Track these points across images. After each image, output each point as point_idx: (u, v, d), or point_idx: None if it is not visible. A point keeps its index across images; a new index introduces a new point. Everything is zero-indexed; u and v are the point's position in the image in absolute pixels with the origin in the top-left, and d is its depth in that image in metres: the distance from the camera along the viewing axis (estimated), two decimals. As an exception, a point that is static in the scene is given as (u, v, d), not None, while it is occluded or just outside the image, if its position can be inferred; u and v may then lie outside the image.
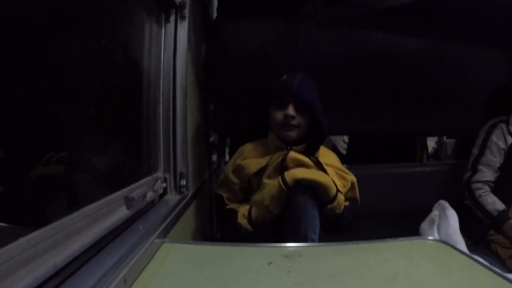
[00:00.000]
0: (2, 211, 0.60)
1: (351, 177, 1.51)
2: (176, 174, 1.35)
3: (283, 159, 1.41)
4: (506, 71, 2.31)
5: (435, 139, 3.49)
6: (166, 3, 1.31)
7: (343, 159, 3.02)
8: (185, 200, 1.32)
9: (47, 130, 0.75)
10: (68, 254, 0.63)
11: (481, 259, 1.11)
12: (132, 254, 0.75)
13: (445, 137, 3.12)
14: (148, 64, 1.28)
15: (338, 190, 1.37)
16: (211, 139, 2.10)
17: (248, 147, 1.58)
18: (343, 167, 1.54)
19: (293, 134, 1.47)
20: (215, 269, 0.87)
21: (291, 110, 1.45)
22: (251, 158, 1.52)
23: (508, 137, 2.11)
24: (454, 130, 2.47)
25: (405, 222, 2.07)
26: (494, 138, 2.12)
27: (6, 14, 0.61)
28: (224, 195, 1.54)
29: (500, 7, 1.92)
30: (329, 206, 1.35)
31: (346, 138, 3.39)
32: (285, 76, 1.52)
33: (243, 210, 1.46)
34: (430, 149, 3.25)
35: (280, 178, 1.34)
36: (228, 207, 1.52)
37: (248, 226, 1.42)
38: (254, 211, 1.42)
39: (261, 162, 1.48)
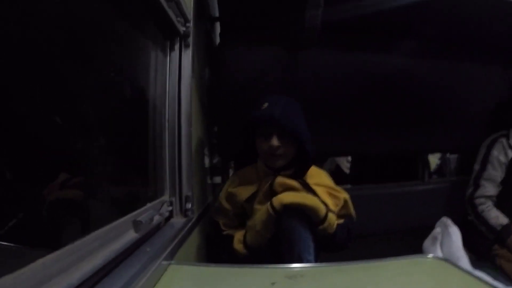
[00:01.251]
0: (13, 232, 0.63)
1: (343, 195, 1.49)
2: (182, 198, 1.37)
3: (271, 184, 1.42)
4: (505, 87, 2.34)
5: (438, 155, 3.50)
6: (171, 32, 1.36)
7: (346, 178, 3.05)
8: (190, 223, 1.34)
9: (60, 157, 0.78)
10: (81, 275, 0.66)
11: (484, 276, 1.12)
12: (141, 276, 0.77)
13: (448, 154, 3.14)
14: (154, 92, 1.32)
15: (328, 210, 1.37)
16: (215, 161, 2.13)
17: (238, 174, 1.61)
18: (334, 186, 1.53)
19: (279, 163, 1.47)
20: (220, 290, 0.89)
21: (275, 141, 1.42)
22: (242, 185, 1.54)
23: (509, 151, 2.13)
24: (455, 147, 2.48)
25: (408, 240, 2.07)
26: (495, 152, 2.14)
27: (18, 47, 0.65)
28: (221, 221, 1.57)
29: (497, 25, 1.96)
30: (320, 227, 1.35)
31: (349, 157, 3.41)
32: (266, 104, 1.45)
33: (238, 235, 1.48)
34: (433, 165, 3.27)
35: (269, 203, 1.34)
36: (224, 233, 1.54)
37: (244, 251, 1.43)
38: (248, 236, 1.44)
39: (251, 189, 1.50)
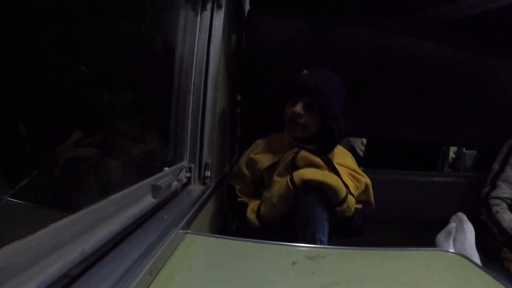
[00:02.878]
0: (31, 193, 0.59)
1: (366, 180, 1.46)
2: (201, 165, 1.34)
3: (294, 158, 1.38)
4: None
5: (454, 148, 3.43)
6: (203, -9, 1.29)
7: (360, 161, 3.00)
8: (208, 191, 1.30)
9: (80, 114, 0.74)
10: (96, 241, 0.62)
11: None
12: (159, 245, 0.74)
13: (464, 148, 3.07)
14: (182, 52, 1.26)
15: (349, 192, 1.34)
16: (235, 130, 2.09)
17: (263, 142, 1.55)
18: (358, 169, 1.49)
19: (298, 133, 1.42)
20: (239, 265, 0.86)
21: (299, 108, 1.38)
22: (264, 153, 1.50)
23: None
24: (477, 143, 2.40)
25: (419, 230, 2.05)
26: None
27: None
28: (237, 187, 1.53)
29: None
30: (338, 208, 1.31)
31: (365, 140, 3.36)
32: (305, 71, 1.44)
33: (253, 204, 1.45)
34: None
35: (288, 177, 1.30)
36: (239, 199, 1.51)
37: (256, 222, 1.40)
38: (263, 208, 1.40)
39: (273, 158, 1.46)
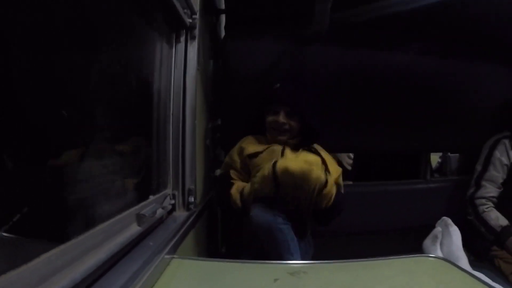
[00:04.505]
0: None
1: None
2: (185, 191, 1.37)
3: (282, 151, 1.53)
4: (510, 87, 2.31)
5: (439, 153, 3.49)
6: (177, 24, 1.35)
7: (348, 175, 3.04)
8: (193, 216, 1.33)
9: (62, 149, 0.77)
10: (85, 269, 0.65)
11: (483, 276, 1.12)
12: (144, 270, 0.77)
13: (449, 152, 3.12)
14: (159, 84, 1.31)
15: (328, 172, 1.46)
16: (217, 155, 2.13)
17: (249, 137, 1.69)
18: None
19: (283, 138, 1.60)
20: (223, 285, 0.89)
21: (281, 118, 1.58)
22: (251, 143, 1.63)
23: (511, 152, 2.12)
24: (458, 147, 2.47)
25: (408, 239, 2.08)
26: (497, 153, 2.13)
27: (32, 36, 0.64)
28: (231, 172, 1.61)
29: (504, 24, 1.94)
30: (324, 191, 1.37)
31: (351, 154, 3.40)
32: (278, 84, 1.66)
33: (239, 184, 1.53)
34: (434, 163, 3.25)
35: (273, 162, 1.37)
36: (231, 180, 1.57)
37: (238, 201, 1.46)
38: (246, 188, 1.47)
39: (258, 148, 1.58)
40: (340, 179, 1.59)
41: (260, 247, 1.40)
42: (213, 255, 1.77)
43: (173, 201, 1.32)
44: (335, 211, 1.46)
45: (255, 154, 1.55)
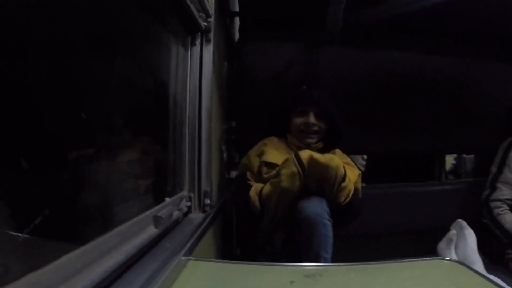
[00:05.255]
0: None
1: (358, 171, 1.61)
2: (201, 193, 1.38)
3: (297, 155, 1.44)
4: None
5: (454, 155, 3.45)
6: (192, 27, 1.36)
7: (362, 177, 3.02)
8: (208, 218, 1.34)
9: (80, 152, 0.78)
10: (103, 271, 0.66)
11: (498, 280, 1.11)
12: (162, 272, 0.78)
13: (464, 154, 3.09)
14: (175, 87, 1.32)
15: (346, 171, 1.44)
16: (232, 157, 2.13)
17: (272, 139, 1.68)
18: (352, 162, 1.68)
19: (312, 140, 1.61)
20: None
21: (312, 119, 1.60)
22: (272, 150, 1.60)
23: None
24: (473, 148, 2.44)
25: (423, 241, 2.06)
26: None
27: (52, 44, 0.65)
28: (248, 173, 1.61)
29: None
30: (343, 184, 1.39)
31: (365, 155, 3.39)
32: (304, 87, 1.73)
33: (257, 186, 1.51)
34: (448, 165, 3.22)
35: (293, 154, 1.37)
36: (248, 182, 1.57)
37: (257, 204, 1.45)
38: (265, 188, 1.45)
39: (277, 158, 1.52)
40: (359, 183, 1.58)
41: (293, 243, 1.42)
42: (228, 257, 1.77)
43: (189, 203, 1.33)
44: (352, 210, 1.46)
45: (272, 165, 1.52)
